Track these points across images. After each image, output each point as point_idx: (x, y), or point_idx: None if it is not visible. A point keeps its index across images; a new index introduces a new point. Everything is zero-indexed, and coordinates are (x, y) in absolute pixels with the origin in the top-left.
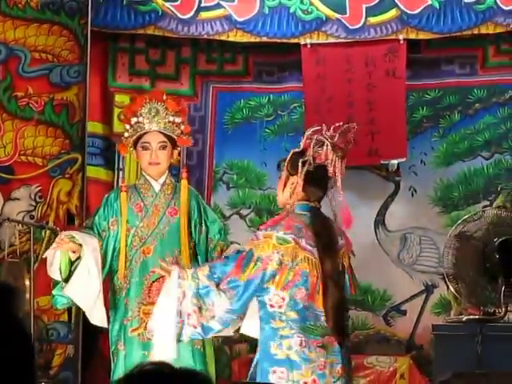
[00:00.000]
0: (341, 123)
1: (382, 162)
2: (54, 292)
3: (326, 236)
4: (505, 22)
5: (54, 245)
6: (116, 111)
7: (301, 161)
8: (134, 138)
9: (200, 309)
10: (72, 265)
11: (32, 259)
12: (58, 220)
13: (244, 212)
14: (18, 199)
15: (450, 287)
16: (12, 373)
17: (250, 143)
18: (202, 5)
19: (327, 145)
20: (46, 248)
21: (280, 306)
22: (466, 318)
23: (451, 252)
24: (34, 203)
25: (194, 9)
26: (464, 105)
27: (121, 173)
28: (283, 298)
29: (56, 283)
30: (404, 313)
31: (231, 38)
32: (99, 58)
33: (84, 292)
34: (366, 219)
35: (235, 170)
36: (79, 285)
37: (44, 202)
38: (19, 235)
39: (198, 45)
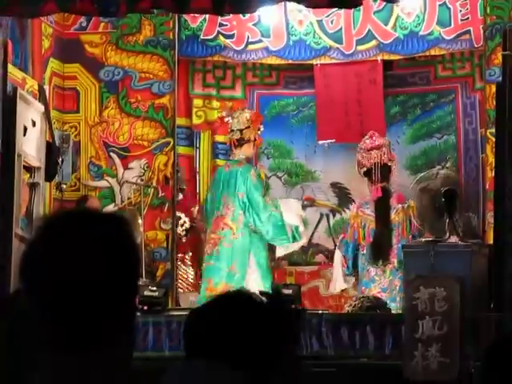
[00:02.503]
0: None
1: None
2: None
3: (380, 203)
4: (446, 47)
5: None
6: (194, 110)
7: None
8: (256, 137)
9: None
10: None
11: (142, 207)
12: (158, 181)
13: (279, 174)
14: (133, 168)
15: (415, 223)
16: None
17: (281, 129)
18: (250, 40)
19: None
20: (152, 199)
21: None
22: (423, 239)
23: (417, 199)
24: (142, 171)
25: (244, 43)
26: (423, 104)
27: (197, 150)
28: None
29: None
30: None
31: (268, 61)
32: (183, 75)
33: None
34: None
35: (272, 146)
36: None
37: (149, 170)
38: (134, 192)
39: (247, 66)
